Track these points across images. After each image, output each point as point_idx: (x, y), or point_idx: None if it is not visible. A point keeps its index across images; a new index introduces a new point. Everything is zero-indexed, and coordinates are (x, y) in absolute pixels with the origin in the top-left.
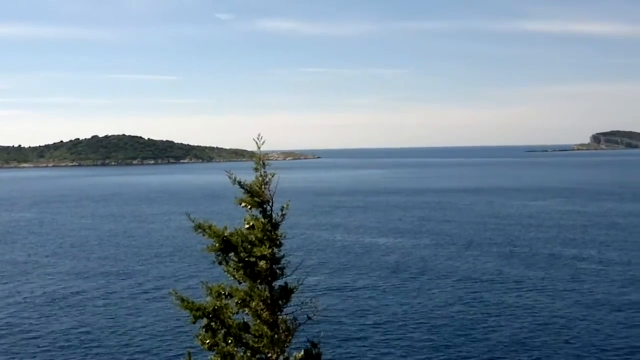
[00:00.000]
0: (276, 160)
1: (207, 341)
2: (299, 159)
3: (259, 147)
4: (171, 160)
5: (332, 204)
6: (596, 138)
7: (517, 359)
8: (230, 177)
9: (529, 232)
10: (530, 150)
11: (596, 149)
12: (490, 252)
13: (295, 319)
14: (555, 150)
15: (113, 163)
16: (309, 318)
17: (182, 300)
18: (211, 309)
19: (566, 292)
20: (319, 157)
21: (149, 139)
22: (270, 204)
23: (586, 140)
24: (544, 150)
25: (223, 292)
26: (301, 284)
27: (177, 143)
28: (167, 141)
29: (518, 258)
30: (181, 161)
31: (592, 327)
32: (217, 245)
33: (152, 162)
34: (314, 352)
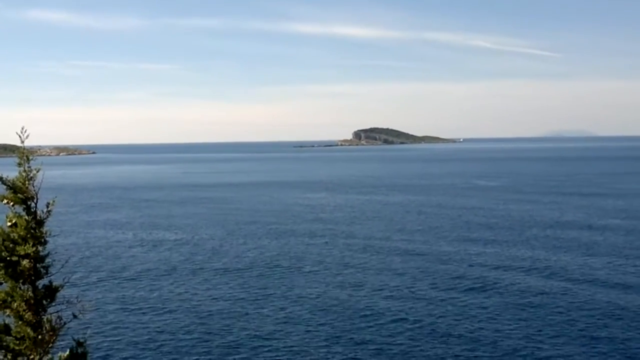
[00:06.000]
0: (49, 155)
1: None
2: (74, 154)
3: (22, 141)
4: None
5: (106, 200)
6: (357, 134)
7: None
8: None
9: (298, 224)
10: (299, 146)
11: (357, 145)
12: (265, 241)
13: (60, 318)
14: (321, 146)
15: None
16: (75, 316)
17: None
18: None
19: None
20: (94, 153)
21: None
22: (35, 200)
23: (349, 136)
24: (311, 145)
25: None
26: (67, 282)
27: None
28: None
29: (286, 246)
30: None
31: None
32: None
33: None
34: (79, 351)
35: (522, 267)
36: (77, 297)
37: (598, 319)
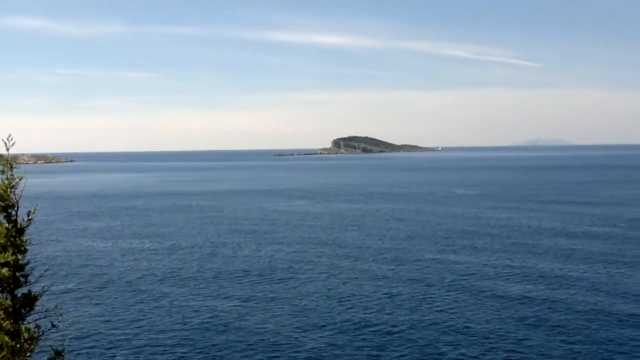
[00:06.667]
0: (26, 163)
1: None
2: (52, 162)
3: (7, 149)
4: None
5: (85, 209)
6: (337, 143)
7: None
8: None
9: (277, 232)
10: (279, 154)
11: (337, 153)
12: (245, 250)
13: (39, 327)
14: (301, 154)
15: None
16: (54, 325)
17: None
18: None
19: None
20: (72, 161)
21: None
22: (16, 208)
23: (328, 144)
24: (291, 154)
25: None
26: (46, 291)
27: None
28: None
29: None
30: None
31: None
32: None
33: None
34: None
35: (501, 274)
36: (56, 306)
37: (577, 323)
